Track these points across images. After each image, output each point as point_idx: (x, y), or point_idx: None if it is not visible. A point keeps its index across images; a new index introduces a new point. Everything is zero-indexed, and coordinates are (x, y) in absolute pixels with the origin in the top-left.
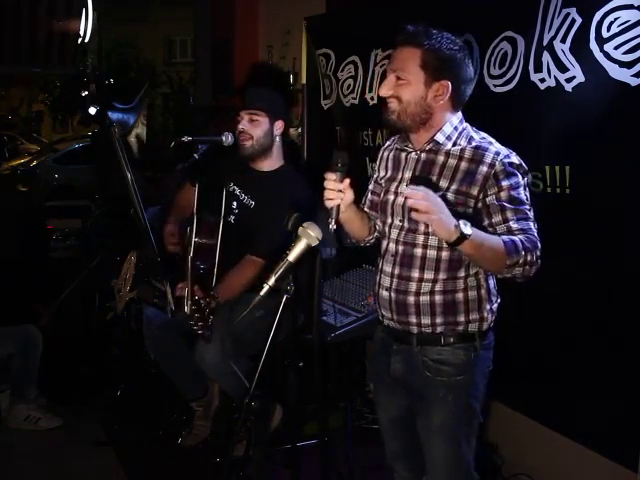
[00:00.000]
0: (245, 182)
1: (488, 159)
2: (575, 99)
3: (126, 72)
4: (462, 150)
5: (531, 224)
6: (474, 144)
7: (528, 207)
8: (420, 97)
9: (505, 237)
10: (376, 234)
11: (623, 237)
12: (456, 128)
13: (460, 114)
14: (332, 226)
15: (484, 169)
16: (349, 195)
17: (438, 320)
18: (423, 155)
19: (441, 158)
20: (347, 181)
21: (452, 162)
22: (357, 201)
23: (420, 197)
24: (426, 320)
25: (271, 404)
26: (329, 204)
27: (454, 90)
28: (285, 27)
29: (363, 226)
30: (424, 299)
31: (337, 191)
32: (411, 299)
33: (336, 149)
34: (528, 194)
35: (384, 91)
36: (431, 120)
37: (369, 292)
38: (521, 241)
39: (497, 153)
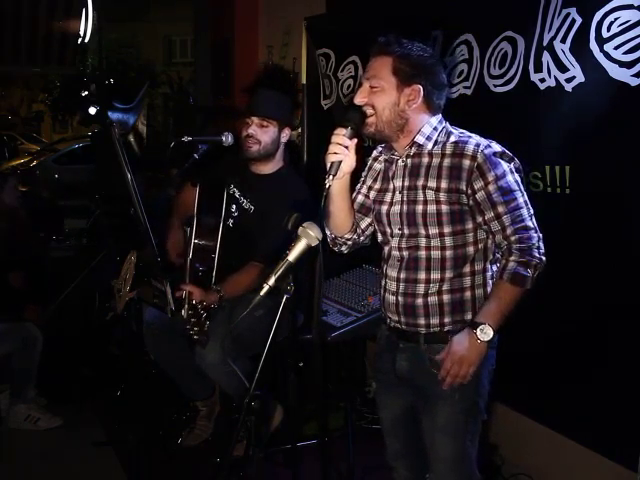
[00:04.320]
0: (245, 184)
1: (469, 151)
2: (575, 99)
3: (126, 72)
4: (443, 147)
5: (524, 212)
6: (453, 139)
7: (519, 192)
8: (393, 103)
9: (507, 273)
10: (354, 237)
11: (623, 237)
12: (435, 128)
13: (440, 116)
14: (328, 182)
15: (466, 162)
16: (352, 157)
17: (446, 320)
18: (409, 161)
19: (425, 160)
20: (355, 141)
21: (436, 161)
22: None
23: (456, 373)
24: (435, 320)
25: (271, 404)
26: (331, 158)
27: (426, 94)
28: (285, 27)
29: (349, 216)
30: (432, 300)
31: (344, 147)
32: (419, 301)
33: (350, 107)
34: (517, 178)
35: (359, 99)
36: (407, 125)
37: (369, 292)
38: (519, 263)
39: (477, 145)
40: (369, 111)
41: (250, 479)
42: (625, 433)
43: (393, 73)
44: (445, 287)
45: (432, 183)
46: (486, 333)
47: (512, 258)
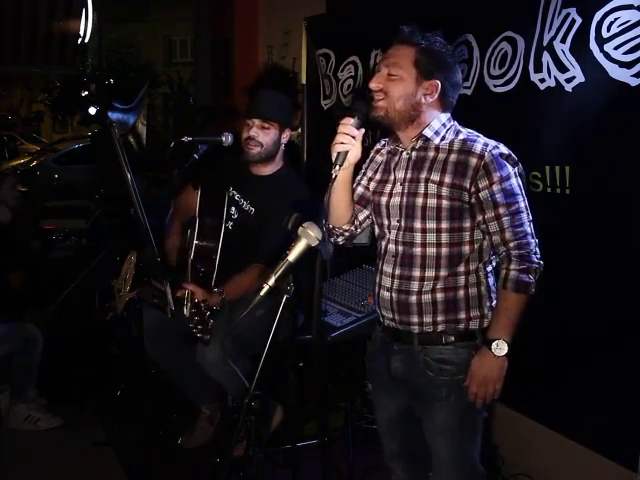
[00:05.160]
0: (245, 186)
1: (477, 150)
2: (575, 99)
3: (126, 72)
4: (450, 143)
5: (523, 216)
6: (462, 137)
7: (521, 197)
8: (410, 94)
9: (510, 282)
10: (352, 229)
11: (623, 237)
12: (444, 125)
13: (449, 114)
14: (335, 172)
15: (473, 160)
16: (358, 148)
17: (439, 318)
18: (414, 153)
19: (431, 154)
20: (362, 131)
21: (442, 156)
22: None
23: (483, 394)
24: (428, 319)
25: (272, 404)
26: (339, 148)
27: (443, 91)
28: (285, 27)
29: (349, 207)
30: (426, 298)
31: (351, 137)
32: (413, 298)
33: (356, 98)
34: (520, 182)
35: (374, 84)
36: (419, 118)
37: (369, 292)
38: (520, 271)
39: (485, 144)
40: (380, 96)
41: (250, 479)
42: (625, 433)
43: (414, 65)
44: (439, 285)
45: (436, 177)
46: (501, 348)
47: (512, 267)
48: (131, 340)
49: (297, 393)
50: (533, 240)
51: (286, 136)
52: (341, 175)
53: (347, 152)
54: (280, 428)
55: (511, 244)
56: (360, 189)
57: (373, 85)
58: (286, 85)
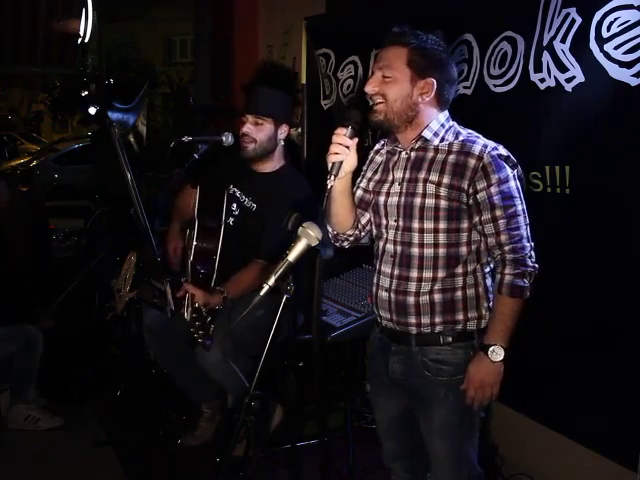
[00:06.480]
0: (246, 184)
1: (476, 151)
2: (575, 99)
3: (126, 72)
4: (450, 144)
5: (520, 220)
6: (461, 138)
7: (519, 200)
8: (406, 94)
9: (504, 287)
10: (356, 233)
11: (623, 237)
12: (443, 125)
13: (447, 112)
14: (330, 182)
15: (472, 161)
16: (354, 157)
17: (437, 319)
18: (413, 154)
19: (430, 154)
20: (356, 140)
21: (441, 157)
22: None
23: (480, 398)
24: (425, 320)
25: (272, 404)
26: (333, 158)
27: (439, 89)
28: (285, 27)
29: (351, 213)
30: (424, 299)
31: (344, 147)
32: (411, 299)
33: (349, 106)
34: (519, 185)
35: (370, 88)
36: (417, 118)
37: (369, 292)
38: (514, 275)
39: (485, 146)
40: (379, 100)
41: (250, 479)
42: (625, 433)
43: (407, 65)
44: (437, 286)
45: (434, 177)
46: (497, 353)
47: (507, 271)
48: (131, 340)
49: (297, 393)
50: (529, 244)
51: (283, 132)
52: (340, 183)
53: (342, 162)
54: (280, 428)
55: (506, 247)
56: (360, 192)
57: (369, 89)
58: (282, 81)
